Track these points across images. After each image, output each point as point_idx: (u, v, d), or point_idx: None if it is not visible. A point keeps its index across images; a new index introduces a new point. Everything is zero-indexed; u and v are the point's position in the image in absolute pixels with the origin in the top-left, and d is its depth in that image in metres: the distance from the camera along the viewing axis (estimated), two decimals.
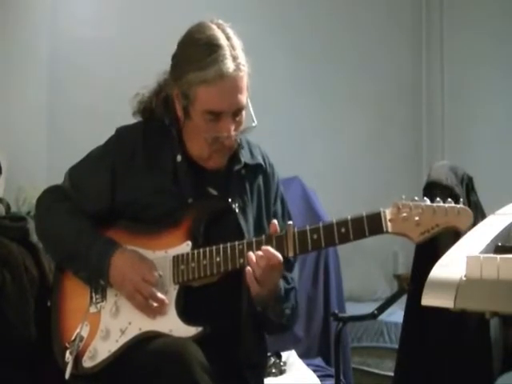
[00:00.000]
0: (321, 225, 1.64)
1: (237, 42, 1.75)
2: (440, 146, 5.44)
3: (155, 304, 1.70)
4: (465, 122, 5.29)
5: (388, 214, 1.59)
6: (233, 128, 1.74)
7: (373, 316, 2.33)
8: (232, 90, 1.71)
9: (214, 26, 1.76)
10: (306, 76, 4.93)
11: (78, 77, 4.00)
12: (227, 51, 1.71)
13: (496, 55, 5.10)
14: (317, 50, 5.01)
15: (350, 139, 5.12)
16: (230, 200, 1.78)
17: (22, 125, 3.74)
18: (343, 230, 1.61)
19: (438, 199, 1.59)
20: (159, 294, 1.71)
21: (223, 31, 1.75)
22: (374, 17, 5.26)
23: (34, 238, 2.20)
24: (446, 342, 1.91)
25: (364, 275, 4.73)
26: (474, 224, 1.51)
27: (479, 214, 2.02)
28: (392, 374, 2.24)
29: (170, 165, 1.81)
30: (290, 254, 1.65)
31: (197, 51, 1.72)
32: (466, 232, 1.51)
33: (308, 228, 1.64)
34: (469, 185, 2.07)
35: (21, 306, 2.08)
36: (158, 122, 1.85)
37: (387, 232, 1.60)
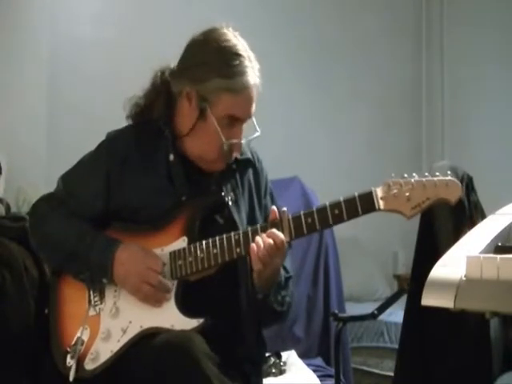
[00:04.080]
0: (314, 209, 1.68)
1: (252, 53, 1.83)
2: (440, 146, 5.45)
3: (162, 292, 1.72)
4: (465, 121, 5.30)
5: (379, 191, 1.64)
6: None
7: (373, 316, 2.33)
8: (251, 100, 1.80)
9: (234, 36, 1.82)
10: (306, 76, 4.93)
11: (77, 77, 4.00)
12: (251, 62, 1.79)
13: (496, 54, 5.10)
14: (317, 50, 5.01)
15: (350, 139, 5.13)
16: (223, 194, 1.81)
17: (21, 125, 3.74)
18: (337, 211, 1.66)
19: (426, 174, 1.63)
20: (166, 281, 1.73)
21: (243, 42, 1.82)
22: (375, 16, 5.27)
23: None
24: (446, 343, 1.92)
25: (364, 275, 4.73)
26: (474, 224, 1.51)
27: (479, 214, 2.02)
28: (392, 374, 2.24)
29: (163, 165, 1.83)
30: (287, 239, 1.67)
31: (225, 59, 1.77)
32: (454, 203, 1.58)
33: (302, 213, 1.68)
34: (469, 185, 2.07)
35: (21, 307, 2.07)
36: (150, 123, 1.86)
37: (379, 209, 1.64)
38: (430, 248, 1.75)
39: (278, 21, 4.81)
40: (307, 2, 5.01)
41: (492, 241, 1.28)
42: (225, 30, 1.82)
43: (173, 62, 1.88)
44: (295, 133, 4.84)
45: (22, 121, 3.75)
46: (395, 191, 1.62)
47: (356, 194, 1.65)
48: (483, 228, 1.38)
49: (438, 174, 1.62)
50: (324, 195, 3.77)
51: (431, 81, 5.51)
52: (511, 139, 4.94)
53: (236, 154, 1.84)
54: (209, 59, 1.79)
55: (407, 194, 1.61)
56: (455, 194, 1.59)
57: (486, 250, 1.24)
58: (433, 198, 1.60)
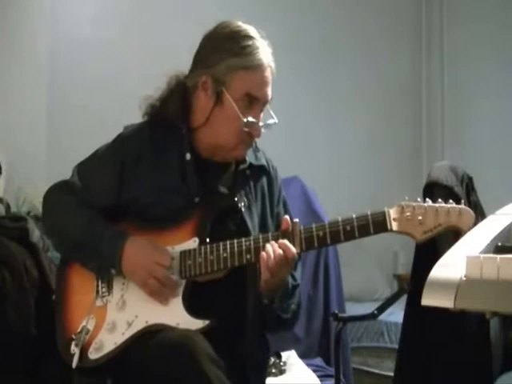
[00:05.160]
0: (326, 223, 1.68)
1: None
2: (440, 146, 5.44)
3: (168, 288, 1.73)
4: (465, 121, 5.29)
5: (392, 213, 1.65)
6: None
7: (373, 316, 2.33)
8: (267, 80, 1.82)
9: (245, 24, 1.86)
10: (306, 76, 4.92)
11: (77, 78, 4.00)
12: (264, 45, 1.83)
13: (496, 54, 5.09)
14: (317, 50, 5.01)
15: (350, 139, 5.12)
16: (236, 198, 1.82)
17: (21, 125, 3.74)
18: (348, 227, 1.65)
19: (439, 200, 1.63)
20: (173, 276, 1.74)
21: (255, 30, 1.85)
22: (375, 16, 5.26)
23: (34, 238, 2.20)
24: (446, 342, 1.92)
25: (364, 275, 4.73)
26: (474, 224, 1.52)
27: (479, 214, 2.02)
28: (392, 374, 2.24)
29: (177, 163, 1.84)
30: (297, 251, 1.68)
31: (237, 40, 1.81)
32: (467, 232, 1.53)
33: (314, 226, 1.69)
34: (469, 185, 2.07)
35: (21, 307, 2.08)
36: (165, 121, 1.87)
37: (391, 230, 1.64)
38: (430, 248, 1.75)
39: (277, 21, 4.80)
40: (307, 3, 5.01)
41: (492, 241, 1.28)
42: (235, 21, 1.86)
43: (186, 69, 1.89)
44: (295, 133, 4.83)
45: (22, 121, 3.75)
46: (408, 214, 1.62)
47: (369, 213, 1.66)
48: (483, 228, 1.38)
49: (451, 201, 1.63)
50: (324, 195, 3.80)
51: (431, 81, 5.50)
52: (511, 139, 4.94)
53: (256, 138, 1.85)
54: (221, 44, 1.82)
55: (420, 217, 1.61)
56: (468, 222, 1.60)
57: (485, 250, 1.23)
58: (445, 224, 1.61)
